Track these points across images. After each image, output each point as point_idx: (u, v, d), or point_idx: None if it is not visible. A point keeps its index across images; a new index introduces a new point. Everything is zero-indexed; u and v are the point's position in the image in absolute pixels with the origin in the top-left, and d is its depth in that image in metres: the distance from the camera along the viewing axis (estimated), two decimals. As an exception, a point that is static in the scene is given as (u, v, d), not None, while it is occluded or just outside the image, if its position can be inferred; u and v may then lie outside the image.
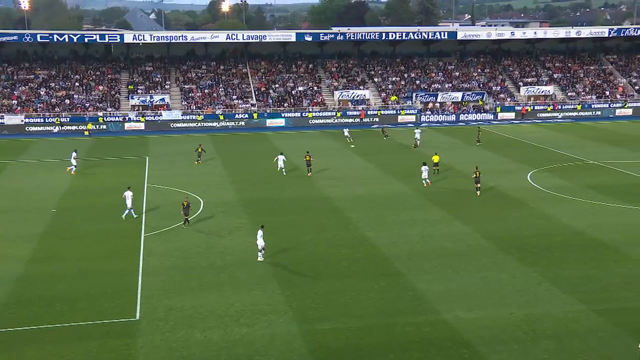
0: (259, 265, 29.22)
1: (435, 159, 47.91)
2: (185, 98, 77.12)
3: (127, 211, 36.55)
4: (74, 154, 49.12)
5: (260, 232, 29.77)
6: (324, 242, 32.63)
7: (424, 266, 29.14)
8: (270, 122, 74.91)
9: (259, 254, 29.82)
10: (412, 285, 27.02)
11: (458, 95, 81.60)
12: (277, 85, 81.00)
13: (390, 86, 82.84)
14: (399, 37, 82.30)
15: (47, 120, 70.62)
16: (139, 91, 76.86)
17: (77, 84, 77.04)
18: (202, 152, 53.11)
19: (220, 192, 43.01)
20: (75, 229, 34.77)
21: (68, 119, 71.28)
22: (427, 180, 43.66)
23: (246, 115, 75.28)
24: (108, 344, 22.07)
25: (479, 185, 41.74)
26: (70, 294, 26.07)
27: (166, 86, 78.57)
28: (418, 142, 59.32)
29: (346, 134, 60.62)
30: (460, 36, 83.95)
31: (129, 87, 77.18)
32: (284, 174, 47.11)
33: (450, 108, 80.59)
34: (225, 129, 72.84)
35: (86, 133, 69.09)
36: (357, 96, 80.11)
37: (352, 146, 58.91)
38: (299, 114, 76.42)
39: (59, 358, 21.19)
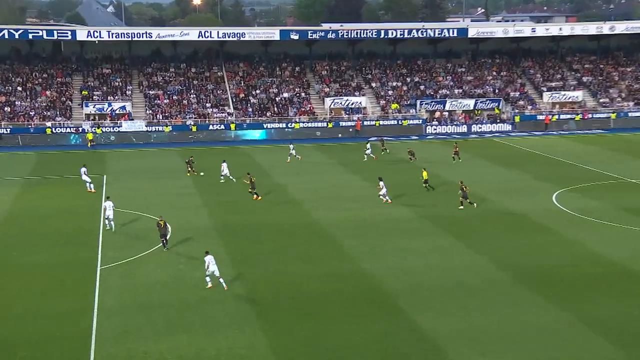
0: (237, 302, 29.25)
1: (425, 175, 49.11)
2: (151, 106, 77.40)
3: (110, 223, 39.22)
4: (83, 170, 49.69)
5: (209, 258, 30.62)
6: (312, 274, 32.70)
7: (430, 303, 29.26)
8: (250, 134, 75.26)
9: (207, 279, 30.79)
10: (417, 324, 27.11)
11: (470, 103, 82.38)
12: (258, 92, 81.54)
13: (390, 92, 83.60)
14: (401, 34, 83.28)
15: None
16: (94, 97, 77.07)
17: (19, 88, 77.18)
18: (192, 163, 56.10)
19: (191, 215, 43.08)
20: (15, 261, 34.64)
21: (8, 130, 71.25)
22: (386, 198, 45.53)
23: (222, 126, 75.63)
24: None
25: (467, 200, 44.12)
26: (8, 340, 25.90)
27: (127, 92, 78.87)
28: (367, 156, 60.73)
29: (291, 151, 61.26)
30: (472, 34, 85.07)
31: (83, 92, 77.38)
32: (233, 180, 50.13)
33: (460, 118, 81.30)
34: (197, 142, 73.04)
35: (89, 145, 68.98)
36: (352, 104, 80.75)
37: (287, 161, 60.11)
38: (283, 125, 76.86)
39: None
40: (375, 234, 39.05)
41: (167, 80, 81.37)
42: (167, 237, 36.65)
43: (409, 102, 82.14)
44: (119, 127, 73.53)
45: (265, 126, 76.36)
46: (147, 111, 76.69)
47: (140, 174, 55.70)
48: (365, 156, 61.18)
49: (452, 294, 30.18)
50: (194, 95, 79.73)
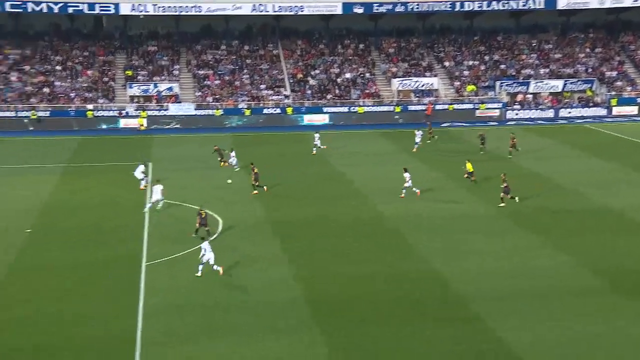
0: (293, 304, 29.36)
1: (469, 167, 48.46)
2: (200, 87, 78.28)
3: (149, 206, 41.90)
4: (141, 168, 48.60)
5: (205, 245, 32.44)
6: (378, 275, 32.58)
7: (509, 309, 28.84)
8: (308, 119, 75.43)
9: (200, 266, 32.33)
10: (495, 333, 26.76)
11: (558, 84, 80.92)
12: (317, 72, 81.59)
13: (465, 72, 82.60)
14: (479, 7, 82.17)
15: (19, 114, 72.47)
16: (139, 78, 78.35)
17: (59, 67, 78.96)
18: (221, 151, 55.01)
19: (244, 208, 43.41)
20: (56, 258, 35.44)
21: (47, 112, 73.01)
22: (412, 190, 44.89)
23: (278, 110, 75.97)
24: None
25: (508, 196, 43.02)
26: (49, 343, 26.51)
27: (175, 72, 79.92)
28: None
29: (316, 141, 60.06)
30: (561, 4, 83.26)
31: (127, 72, 78.73)
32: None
33: (546, 101, 79.87)
34: (251, 126, 73.53)
35: (142, 128, 70.49)
36: (422, 85, 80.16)
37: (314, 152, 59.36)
38: (345, 109, 76.76)
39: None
40: (447, 231, 38.69)
41: (217, 59, 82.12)
42: (208, 229, 37.51)
43: (487, 83, 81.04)
44: (165, 110, 74.59)
45: (325, 110, 76.38)
46: (196, 93, 77.59)
47: (187, 162, 56.33)
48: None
49: (537, 300, 29.66)
50: (247, 76, 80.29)
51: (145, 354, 25.46)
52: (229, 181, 48.89)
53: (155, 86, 76.84)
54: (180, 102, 75.80)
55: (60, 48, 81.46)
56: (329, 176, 51.46)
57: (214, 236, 37.92)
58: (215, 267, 32.35)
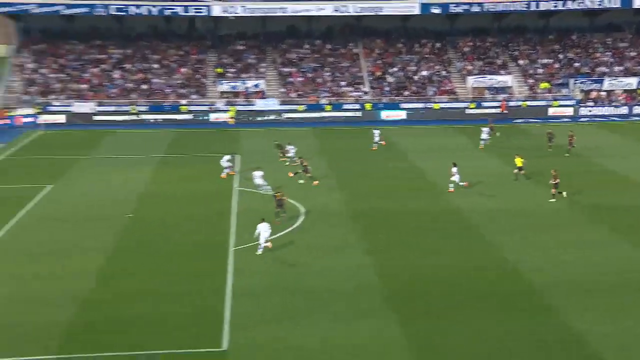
0: (370, 292, 29.36)
1: (518, 162, 47.22)
2: (284, 84, 78.87)
3: (264, 188, 43.35)
4: (227, 157, 49.59)
5: (261, 226, 33.44)
6: (452, 266, 32.26)
7: (586, 302, 28.10)
8: (386, 114, 75.14)
9: (260, 248, 33.50)
10: (569, 325, 26.18)
11: (632, 82, 78.43)
12: (395, 69, 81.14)
13: (540, 70, 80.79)
14: (554, 6, 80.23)
15: (121, 109, 74.44)
16: (228, 75, 79.44)
17: (156, 65, 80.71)
18: (282, 145, 54.69)
19: (324, 198, 43.59)
20: (152, 240, 36.35)
21: (145, 107, 74.78)
22: (460, 183, 44.38)
23: (357, 106, 75.90)
24: (189, 379, 22.94)
25: (556, 190, 41.98)
26: (145, 318, 27.25)
27: (261, 69, 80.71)
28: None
29: (376, 137, 59.16)
30: (638, 3, 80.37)
31: (217, 70, 79.92)
32: None
33: (621, 98, 77.48)
34: (331, 121, 73.71)
35: (231, 122, 71.79)
36: (497, 83, 78.80)
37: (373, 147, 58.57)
38: (421, 105, 76.17)
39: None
40: (522, 224, 38.02)
41: (301, 58, 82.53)
42: (284, 211, 38.67)
43: (560, 81, 79.14)
44: (252, 105, 75.44)
45: (402, 106, 75.93)
46: (281, 89, 78.21)
47: (273, 154, 56.85)
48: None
49: (614, 294, 28.85)
50: (329, 73, 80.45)
51: (233, 332, 25.88)
52: (291, 174, 48.83)
53: (243, 83, 77.78)
54: (265, 98, 76.55)
55: (158, 48, 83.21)
56: (405, 169, 51.23)
57: (296, 224, 38.25)
58: (262, 244, 33.38)
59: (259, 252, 33.46)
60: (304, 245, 35.24)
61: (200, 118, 73.60)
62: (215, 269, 32.13)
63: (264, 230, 33.43)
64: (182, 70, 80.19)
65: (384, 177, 48.83)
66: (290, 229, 37.54)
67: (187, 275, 31.41)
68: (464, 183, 44.70)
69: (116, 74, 79.15)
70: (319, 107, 75.40)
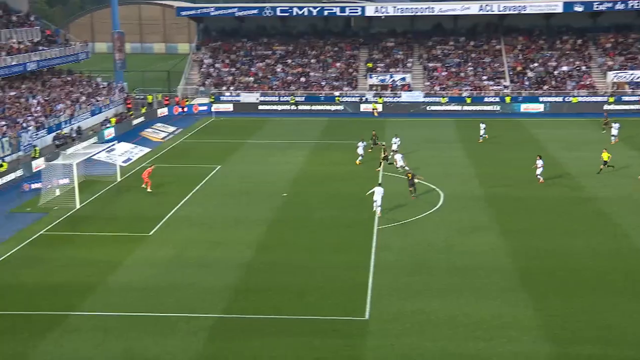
0: (505, 272, 28.60)
1: (605, 156, 44.23)
2: (429, 78, 77.76)
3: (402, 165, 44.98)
4: (362, 144, 50.01)
5: (377, 189, 35.88)
6: (584, 250, 30.90)
7: None
8: (525, 107, 72.33)
9: (378, 209, 35.95)
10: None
11: None
12: (535, 65, 77.89)
13: (683, 65, 74.86)
14: (700, 3, 73.73)
15: (281, 99, 76.21)
16: (378, 69, 79.29)
17: (313, 60, 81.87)
18: (376, 138, 53.32)
19: (462, 184, 42.80)
20: (305, 217, 37.08)
21: (303, 97, 76.16)
22: (540, 177, 42.57)
23: (497, 99, 73.60)
24: (334, 343, 23.23)
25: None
26: (297, 285, 27.86)
27: (408, 64, 79.96)
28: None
29: (482, 131, 55.80)
30: None
31: (368, 64, 79.96)
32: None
33: None
34: (472, 113, 71.89)
35: (375, 114, 72.67)
36: (638, 78, 73.77)
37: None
38: (560, 99, 72.72)
39: (283, 351, 22.82)
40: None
41: (446, 54, 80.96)
42: (415, 189, 39.54)
43: (703, 76, 72.98)
44: (398, 97, 74.99)
45: (540, 99, 72.82)
46: (425, 83, 77.17)
47: (418, 143, 56.29)
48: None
49: None
50: (471, 68, 78.43)
51: (375, 303, 25.93)
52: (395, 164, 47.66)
53: (391, 77, 77.40)
54: (411, 91, 75.80)
55: (316, 44, 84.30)
56: (546, 161, 49.09)
57: (436, 206, 37.78)
58: (379, 208, 35.86)
59: (377, 211, 35.88)
60: (443, 225, 34.84)
61: (350, 110, 73.91)
62: (360, 245, 32.31)
63: (378, 192, 35.85)
64: (337, 64, 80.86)
65: (519, 166, 47.03)
66: (430, 210, 37.16)
67: (334, 249, 31.81)
68: (541, 178, 42.51)
69: (279, 68, 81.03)
70: (460, 100, 73.75)
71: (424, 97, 74.54)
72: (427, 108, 72.84)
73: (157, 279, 28.54)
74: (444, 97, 73.81)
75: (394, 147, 49.84)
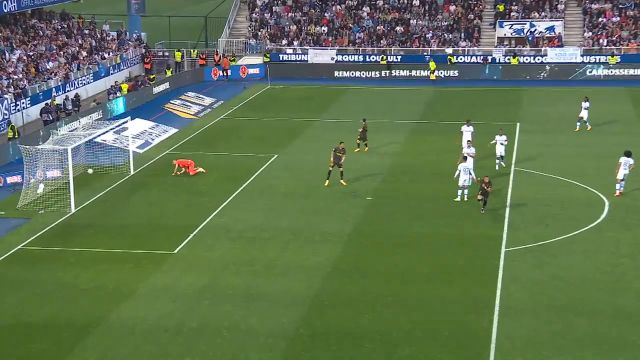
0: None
1: None
2: (592, 26, 76.39)
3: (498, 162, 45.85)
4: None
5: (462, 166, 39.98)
6: None
7: None
8: None
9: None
10: None
11: None
12: None
13: None
14: None
15: (367, 59, 76.19)
16: (512, 14, 78.38)
17: (416, 1, 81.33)
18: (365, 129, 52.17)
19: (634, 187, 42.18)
20: (397, 230, 37.24)
21: (399, 57, 75.93)
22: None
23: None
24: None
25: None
26: (385, 332, 27.68)
27: (559, 6, 78.74)
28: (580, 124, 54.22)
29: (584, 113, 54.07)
30: None
31: (498, 7, 79.09)
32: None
33: None
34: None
35: (432, 77, 72.69)
36: None
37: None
38: None
39: None
40: None
41: (615, -9, 79.52)
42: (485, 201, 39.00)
43: None
44: (541, 56, 74.03)
45: None
46: (586, 34, 75.87)
47: (563, 125, 55.42)
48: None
49: None
50: (657, 12, 76.85)
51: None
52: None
53: (532, 25, 76.50)
54: (563, 46, 74.68)
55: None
56: None
57: (596, 221, 37.44)
58: (462, 190, 40.25)
59: (458, 199, 40.32)
60: (604, 249, 34.38)
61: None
62: (479, 272, 32.11)
63: (463, 172, 40.14)
64: (451, 8, 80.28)
65: None
66: (587, 226, 36.94)
67: (440, 278, 31.72)
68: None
69: (364, 13, 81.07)
70: (636, 59, 72.35)
71: (582, 55, 73.41)
72: (588, 72, 71.78)
73: (183, 317, 28.96)
74: (613, 56, 72.50)
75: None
